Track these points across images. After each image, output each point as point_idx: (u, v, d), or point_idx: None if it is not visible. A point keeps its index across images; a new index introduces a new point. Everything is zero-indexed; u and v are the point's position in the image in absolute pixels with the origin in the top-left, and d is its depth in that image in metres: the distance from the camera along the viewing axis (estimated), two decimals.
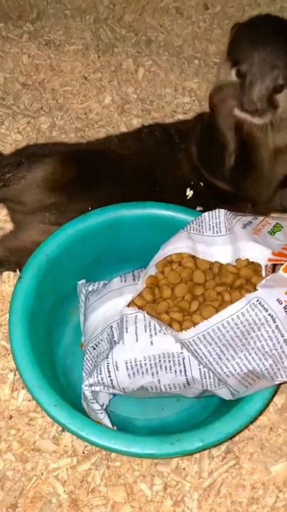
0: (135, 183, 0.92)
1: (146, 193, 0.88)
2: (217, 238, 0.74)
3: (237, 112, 0.83)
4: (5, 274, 0.91)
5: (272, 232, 0.72)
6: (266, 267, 0.67)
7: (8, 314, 0.82)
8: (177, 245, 0.72)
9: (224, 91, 0.85)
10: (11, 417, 0.80)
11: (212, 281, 0.71)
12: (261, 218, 0.75)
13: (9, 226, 0.99)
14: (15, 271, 0.90)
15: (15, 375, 0.82)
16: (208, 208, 0.81)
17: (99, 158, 0.94)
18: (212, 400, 0.76)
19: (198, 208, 0.92)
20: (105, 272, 0.86)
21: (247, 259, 0.68)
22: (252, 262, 0.68)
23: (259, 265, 0.67)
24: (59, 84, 1.29)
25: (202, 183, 0.95)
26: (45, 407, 0.64)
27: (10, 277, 0.91)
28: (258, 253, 0.67)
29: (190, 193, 0.94)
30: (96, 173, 0.92)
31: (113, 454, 0.75)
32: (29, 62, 1.30)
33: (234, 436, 0.72)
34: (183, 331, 0.61)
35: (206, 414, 0.76)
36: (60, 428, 0.79)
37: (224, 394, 0.67)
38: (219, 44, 1.40)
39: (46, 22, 1.38)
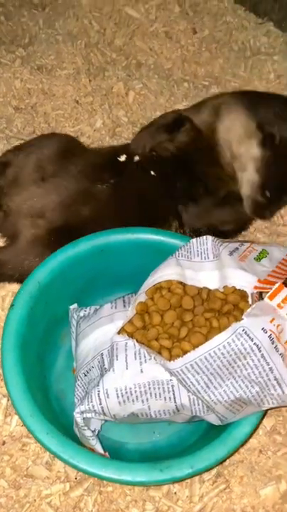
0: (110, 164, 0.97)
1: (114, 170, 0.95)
2: (204, 264, 0.76)
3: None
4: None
5: (258, 259, 0.73)
6: (252, 294, 0.69)
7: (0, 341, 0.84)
8: (166, 272, 0.74)
9: None
10: (4, 443, 0.81)
11: (201, 307, 0.73)
12: (247, 244, 0.77)
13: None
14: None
15: (8, 400, 0.83)
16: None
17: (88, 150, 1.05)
18: (202, 423, 0.77)
19: (152, 172, 0.96)
20: (97, 296, 0.88)
21: (234, 287, 0.70)
22: (239, 289, 0.70)
23: (246, 292, 0.69)
24: (51, 108, 1.31)
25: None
26: (36, 435, 0.65)
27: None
28: (244, 281, 0.69)
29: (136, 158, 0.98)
30: (79, 155, 1.00)
31: None
32: (21, 86, 1.32)
33: (224, 460, 0.73)
34: (171, 361, 0.63)
35: (196, 437, 0.77)
36: None
37: (213, 419, 0.68)
38: (207, 67, 1.43)
39: (38, 47, 1.41)
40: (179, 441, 0.80)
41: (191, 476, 0.65)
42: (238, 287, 0.70)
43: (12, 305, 0.74)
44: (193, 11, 1.51)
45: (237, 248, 0.75)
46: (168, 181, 0.96)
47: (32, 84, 1.33)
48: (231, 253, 0.73)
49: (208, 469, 0.69)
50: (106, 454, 0.72)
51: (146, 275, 0.78)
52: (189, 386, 0.63)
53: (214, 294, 0.73)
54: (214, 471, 0.76)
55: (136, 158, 0.97)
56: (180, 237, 0.87)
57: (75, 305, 0.85)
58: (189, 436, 0.79)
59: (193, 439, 0.78)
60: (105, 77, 1.38)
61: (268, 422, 0.80)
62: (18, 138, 1.24)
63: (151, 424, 0.79)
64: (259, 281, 0.69)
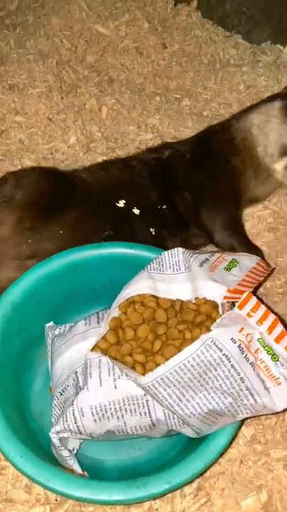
0: (102, 208, 0.93)
1: (112, 218, 0.91)
2: (177, 276, 0.76)
3: None
4: None
5: (228, 268, 0.74)
6: (222, 304, 0.69)
7: None
8: (138, 286, 0.74)
9: None
10: None
11: (174, 319, 0.73)
12: (217, 255, 0.77)
13: None
14: None
15: None
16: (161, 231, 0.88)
17: (70, 181, 0.97)
18: (182, 437, 0.76)
19: (151, 230, 0.94)
20: (73, 312, 0.87)
21: (205, 298, 0.70)
22: (210, 300, 0.71)
23: (216, 304, 0.70)
24: (24, 126, 1.32)
25: (165, 206, 0.98)
26: (11, 459, 0.64)
27: None
28: (215, 291, 0.69)
29: (137, 211, 0.94)
30: (68, 194, 0.93)
31: None
32: None
33: (202, 474, 0.72)
34: (142, 376, 0.63)
35: (176, 451, 0.77)
36: None
37: (189, 432, 0.68)
38: (179, 80, 1.46)
39: (10, 67, 1.42)
40: (159, 455, 0.79)
41: (169, 491, 0.64)
42: (208, 298, 0.70)
43: None
44: (162, 26, 1.54)
45: (207, 259, 0.76)
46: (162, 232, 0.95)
47: (4, 104, 1.33)
48: (201, 264, 0.74)
49: (186, 484, 0.68)
50: (85, 473, 0.71)
51: (121, 289, 0.78)
52: (161, 400, 0.63)
53: (186, 305, 0.73)
54: (195, 484, 0.75)
55: (136, 211, 0.94)
56: (153, 250, 0.87)
57: (51, 323, 0.85)
58: (169, 450, 0.78)
59: (173, 453, 0.77)
60: (77, 94, 1.39)
61: (247, 432, 0.80)
62: None
63: (131, 439, 0.79)
64: (229, 290, 0.69)
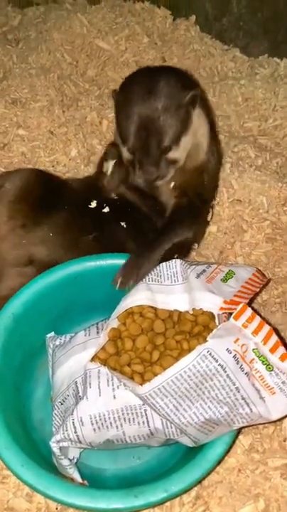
0: (87, 211, 0.97)
1: (96, 220, 0.95)
2: (174, 287, 0.78)
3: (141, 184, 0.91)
4: None
5: (225, 280, 0.76)
6: (219, 315, 0.71)
7: None
8: (136, 297, 0.76)
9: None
10: None
11: (172, 330, 0.75)
12: (214, 266, 0.79)
13: None
14: None
15: None
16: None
17: (58, 183, 1.03)
18: (181, 446, 0.77)
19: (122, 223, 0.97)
20: (74, 323, 0.89)
21: (201, 309, 0.72)
22: (207, 311, 0.72)
23: (213, 315, 0.71)
24: (26, 140, 1.34)
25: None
26: (12, 468, 0.65)
27: None
28: (211, 302, 0.71)
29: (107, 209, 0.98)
30: (57, 195, 0.98)
31: None
32: None
33: (199, 482, 0.74)
34: (140, 386, 0.64)
35: (175, 460, 0.78)
36: None
37: (187, 441, 0.69)
38: None
39: (12, 81, 1.45)
40: (158, 464, 0.80)
41: (167, 499, 0.65)
42: (205, 309, 0.72)
43: None
44: (161, 40, 1.57)
45: (204, 270, 0.77)
46: (137, 229, 0.98)
47: (7, 117, 1.36)
48: (198, 275, 0.76)
49: (184, 492, 0.69)
50: (85, 482, 0.72)
51: (120, 300, 0.79)
52: (159, 410, 0.65)
53: (184, 316, 0.75)
54: (193, 493, 0.76)
55: (106, 209, 0.99)
56: None
57: (52, 333, 0.87)
58: (168, 459, 0.80)
59: (173, 462, 0.78)
60: (78, 108, 1.42)
61: (245, 441, 0.81)
62: None
63: (130, 448, 0.80)
64: (225, 302, 0.71)
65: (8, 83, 1.45)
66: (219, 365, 0.61)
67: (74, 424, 0.68)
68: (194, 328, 0.73)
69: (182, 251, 0.98)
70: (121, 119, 0.90)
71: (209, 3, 1.51)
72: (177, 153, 0.89)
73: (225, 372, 0.62)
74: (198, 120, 0.95)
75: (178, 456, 0.78)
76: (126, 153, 0.90)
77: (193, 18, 1.57)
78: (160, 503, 0.67)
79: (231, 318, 0.67)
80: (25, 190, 0.96)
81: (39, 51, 1.54)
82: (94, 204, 0.98)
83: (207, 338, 0.63)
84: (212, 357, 0.62)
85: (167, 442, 0.73)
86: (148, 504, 0.63)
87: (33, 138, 1.35)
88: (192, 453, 0.72)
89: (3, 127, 1.36)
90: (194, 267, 0.78)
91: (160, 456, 0.81)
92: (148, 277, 0.79)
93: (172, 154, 0.88)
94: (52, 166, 1.32)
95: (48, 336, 0.86)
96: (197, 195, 1.00)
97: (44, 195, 0.97)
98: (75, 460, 0.75)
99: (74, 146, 1.34)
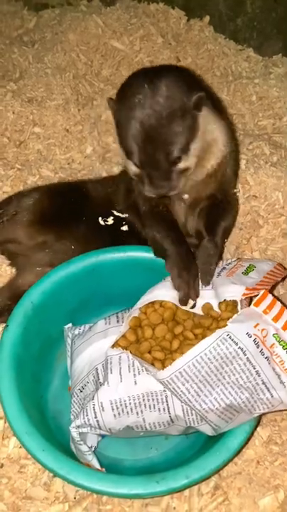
0: (108, 227, 0.96)
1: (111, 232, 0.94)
2: (204, 292, 0.78)
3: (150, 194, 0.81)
4: None
5: (246, 273, 0.76)
6: (241, 301, 0.71)
7: None
8: (162, 293, 0.76)
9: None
10: (2, 466, 0.81)
11: (191, 322, 0.75)
12: (234, 263, 0.79)
13: (9, 276, 1.03)
14: None
15: (5, 422, 0.84)
16: None
17: (79, 194, 1.01)
18: (200, 436, 0.77)
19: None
20: (91, 315, 0.89)
21: (225, 300, 0.72)
22: (229, 301, 0.72)
23: (236, 303, 0.71)
24: (42, 137, 1.36)
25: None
26: (33, 453, 0.65)
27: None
28: (233, 291, 0.71)
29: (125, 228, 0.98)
30: (76, 209, 0.98)
31: (104, 498, 0.76)
32: (14, 118, 1.37)
33: (219, 470, 0.73)
34: (161, 370, 0.64)
35: (193, 451, 0.78)
36: (51, 474, 0.80)
37: (207, 430, 0.69)
38: None
39: (28, 80, 1.47)
40: (176, 455, 0.80)
41: (187, 486, 0.65)
42: (228, 298, 0.72)
43: (6, 325, 0.76)
44: (176, 41, 1.58)
45: (224, 268, 0.78)
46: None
47: (23, 116, 1.38)
48: (218, 274, 0.76)
49: (204, 479, 0.69)
50: (103, 469, 0.72)
51: (137, 292, 0.80)
52: (180, 395, 0.65)
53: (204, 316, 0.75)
54: (212, 484, 0.76)
55: (125, 228, 0.97)
56: None
57: (70, 324, 0.87)
58: (186, 450, 0.79)
59: (191, 453, 0.78)
60: (93, 106, 1.43)
61: (264, 433, 0.81)
62: (12, 167, 1.28)
63: (148, 439, 0.80)
64: (247, 288, 0.71)
65: (24, 82, 1.47)
66: (239, 348, 0.61)
67: (94, 410, 0.68)
68: (212, 324, 0.73)
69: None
70: (122, 131, 0.80)
71: (223, 3, 1.53)
72: (188, 162, 0.81)
73: (245, 355, 0.62)
74: (206, 121, 0.86)
75: (197, 447, 0.78)
76: (132, 167, 0.82)
77: (207, 18, 1.59)
78: (181, 489, 0.67)
79: (252, 305, 0.67)
80: (39, 212, 0.97)
81: (54, 51, 1.56)
82: (111, 221, 0.97)
83: (227, 323, 0.63)
84: (232, 340, 0.62)
85: (186, 431, 0.72)
86: (169, 490, 0.63)
87: (49, 136, 1.36)
88: (210, 443, 0.72)
89: (20, 125, 1.37)
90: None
91: (178, 447, 0.81)
92: None
93: (183, 164, 0.80)
94: (68, 164, 1.33)
95: (66, 326, 0.87)
96: (224, 192, 0.96)
97: (62, 210, 0.97)
98: (93, 448, 0.75)
99: (90, 143, 1.35)
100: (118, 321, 0.79)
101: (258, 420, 0.73)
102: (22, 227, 0.97)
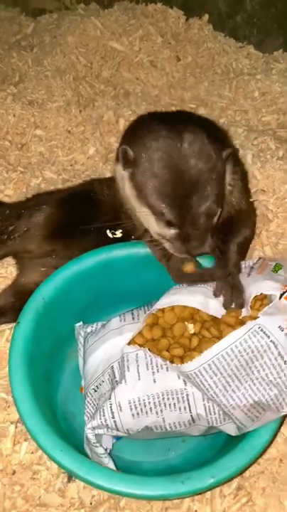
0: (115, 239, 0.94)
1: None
2: None
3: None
4: (1, 328, 0.92)
5: (275, 271, 0.73)
6: (271, 296, 0.68)
7: (6, 368, 0.81)
8: (188, 298, 0.72)
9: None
10: (14, 473, 0.78)
11: (211, 322, 0.72)
12: (260, 261, 0.77)
13: (14, 274, 1.01)
14: (15, 321, 0.91)
15: (16, 427, 0.81)
16: None
17: (88, 201, 0.98)
18: (219, 437, 0.74)
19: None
20: (102, 314, 0.86)
21: (261, 293, 0.69)
22: (265, 295, 0.69)
23: (272, 297, 0.68)
24: (44, 139, 1.34)
25: None
26: (50, 453, 0.62)
27: (6, 333, 0.91)
28: (269, 287, 0.68)
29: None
30: (85, 219, 0.95)
31: (122, 503, 0.72)
32: (15, 121, 1.36)
33: (245, 469, 0.70)
34: (188, 362, 0.61)
35: (213, 452, 0.74)
36: (66, 479, 0.76)
37: (231, 429, 0.66)
38: (193, 91, 1.48)
39: (28, 84, 1.45)
40: (195, 457, 0.77)
41: (213, 486, 0.62)
42: (265, 293, 0.69)
43: (18, 322, 0.73)
44: (175, 40, 1.57)
45: (252, 267, 0.76)
46: None
47: (24, 119, 1.36)
48: (249, 274, 0.74)
49: (230, 479, 0.66)
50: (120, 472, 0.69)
51: (150, 291, 0.77)
52: (206, 389, 0.62)
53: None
54: (234, 484, 0.73)
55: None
56: None
57: (81, 323, 0.84)
58: (205, 452, 0.76)
59: (210, 455, 0.74)
60: (95, 107, 1.42)
61: (286, 430, 0.78)
62: (15, 170, 1.26)
63: (165, 440, 0.77)
64: (284, 285, 0.68)
65: (24, 85, 1.46)
66: (271, 341, 0.59)
67: (111, 409, 0.65)
68: (236, 323, 0.70)
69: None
70: (148, 186, 0.73)
71: (222, 1, 1.52)
72: (218, 215, 0.74)
73: (277, 349, 0.59)
74: (228, 172, 0.82)
75: (216, 448, 0.75)
76: (162, 228, 0.73)
77: (206, 17, 1.58)
78: (207, 489, 0.64)
79: (283, 298, 0.65)
80: (51, 227, 0.95)
81: (54, 54, 1.55)
82: (119, 234, 0.94)
83: (259, 315, 0.61)
84: (264, 333, 0.59)
85: (208, 431, 0.69)
86: (194, 491, 0.60)
87: (51, 138, 1.35)
88: (231, 444, 0.68)
89: (21, 128, 1.36)
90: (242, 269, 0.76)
91: (197, 448, 0.78)
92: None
93: (215, 218, 0.74)
94: (71, 165, 1.31)
95: (77, 324, 0.84)
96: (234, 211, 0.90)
97: (71, 222, 0.95)
98: (108, 451, 0.72)
99: (92, 144, 1.33)
100: (133, 318, 0.76)
101: (283, 419, 0.69)
102: (33, 241, 0.96)
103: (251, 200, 0.98)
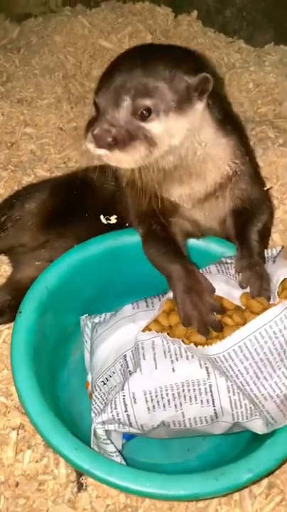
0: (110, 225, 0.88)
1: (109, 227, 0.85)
2: None
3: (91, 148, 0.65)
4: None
5: None
6: None
7: (5, 370, 0.75)
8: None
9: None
10: (17, 484, 0.70)
11: (234, 310, 0.66)
12: (283, 250, 0.73)
13: (8, 273, 0.95)
14: (12, 321, 0.85)
15: (18, 434, 0.73)
16: None
17: (82, 187, 0.92)
18: (241, 435, 0.67)
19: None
20: (107, 307, 0.79)
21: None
22: None
23: None
24: (35, 137, 1.29)
25: None
26: (64, 453, 0.55)
27: (3, 334, 0.85)
28: None
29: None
30: (79, 205, 0.91)
31: (140, 510, 0.65)
32: (3, 120, 1.31)
33: (283, 463, 0.63)
34: (217, 343, 0.54)
35: (237, 451, 0.67)
36: (75, 489, 0.69)
37: (257, 426, 0.59)
38: None
39: (16, 83, 1.41)
40: (217, 457, 0.70)
41: (251, 481, 0.55)
42: None
43: (19, 312, 0.66)
44: (165, 36, 1.55)
45: (276, 256, 0.71)
46: None
47: (13, 116, 1.31)
48: (274, 261, 0.69)
49: (268, 473, 0.59)
50: None
51: (159, 282, 0.71)
52: (236, 376, 0.55)
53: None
54: (264, 483, 0.66)
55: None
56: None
57: (86, 315, 0.78)
58: (228, 451, 0.69)
59: (233, 454, 0.67)
60: (86, 104, 1.37)
61: None
62: (6, 168, 1.20)
63: (183, 440, 0.70)
64: None
65: (13, 84, 1.41)
66: None
67: (125, 401, 0.58)
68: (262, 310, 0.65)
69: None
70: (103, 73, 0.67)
71: None
72: (159, 130, 0.65)
73: None
74: (203, 118, 0.72)
75: (240, 447, 0.68)
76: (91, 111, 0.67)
77: (195, 13, 1.56)
78: (244, 486, 0.57)
79: None
80: (44, 214, 0.90)
81: (41, 54, 1.51)
82: (113, 220, 0.88)
83: None
84: None
85: (231, 430, 0.62)
86: (230, 487, 0.53)
87: (42, 135, 1.29)
88: (256, 442, 0.62)
89: (10, 127, 1.30)
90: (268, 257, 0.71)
91: (219, 447, 0.71)
92: (228, 271, 0.70)
93: (152, 127, 0.64)
94: (64, 163, 1.26)
95: (83, 316, 0.77)
96: (250, 201, 0.82)
97: (65, 208, 0.90)
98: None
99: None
100: (147, 306, 0.70)
101: None
102: (27, 231, 0.90)
103: (264, 188, 0.91)
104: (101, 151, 0.63)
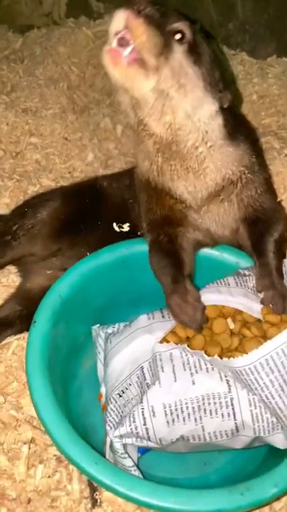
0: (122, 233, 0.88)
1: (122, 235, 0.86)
2: None
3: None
4: (8, 340, 0.84)
5: None
6: None
7: (14, 382, 0.74)
8: (230, 299, 0.66)
9: None
10: (29, 501, 0.68)
11: (255, 323, 0.65)
12: None
13: (16, 283, 0.93)
14: (22, 331, 0.83)
15: (29, 448, 0.71)
16: None
17: (94, 195, 0.92)
18: (259, 449, 0.66)
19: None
20: (119, 316, 0.78)
21: None
22: None
23: None
24: (40, 147, 1.28)
25: None
26: (83, 467, 0.53)
27: (13, 345, 0.83)
28: None
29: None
30: (91, 213, 0.90)
31: None
32: (8, 129, 1.30)
33: None
34: (244, 355, 0.53)
35: (255, 465, 0.66)
36: (89, 505, 0.67)
37: (279, 441, 0.58)
38: None
39: (21, 93, 1.41)
40: (235, 471, 0.68)
41: (276, 496, 0.53)
42: None
43: (34, 321, 0.65)
44: None
45: None
46: None
47: (18, 126, 1.31)
48: None
49: None
50: None
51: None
52: (261, 389, 0.54)
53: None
54: (285, 498, 0.64)
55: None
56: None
57: (98, 325, 0.76)
58: (246, 464, 0.68)
59: (252, 468, 0.66)
60: (91, 114, 1.38)
61: None
62: (11, 178, 1.19)
63: (200, 454, 0.68)
64: None
65: (17, 95, 1.41)
66: None
67: (143, 415, 0.57)
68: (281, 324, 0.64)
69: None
70: None
71: (213, 9, 1.52)
72: (176, 63, 0.67)
73: None
74: (214, 117, 0.73)
75: (258, 460, 0.67)
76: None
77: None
78: (270, 501, 0.56)
79: None
80: (56, 222, 0.90)
81: (45, 64, 1.52)
82: (126, 228, 0.89)
83: None
84: None
85: (251, 445, 0.61)
86: (256, 502, 0.52)
87: (47, 145, 1.29)
88: (274, 458, 0.60)
89: (15, 136, 1.30)
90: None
91: (235, 461, 0.69)
92: (247, 284, 0.69)
93: (180, 50, 0.67)
94: (69, 172, 1.25)
95: (95, 326, 0.76)
96: (262, 210, 0.82)
97: (77, 216, 0.90)
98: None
99: (91, 150, 1.28)
100: (163, 316, 0.68)
101: None
102: (39, 240, 0.89)
103: (277, 200, 0.91)
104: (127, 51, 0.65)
